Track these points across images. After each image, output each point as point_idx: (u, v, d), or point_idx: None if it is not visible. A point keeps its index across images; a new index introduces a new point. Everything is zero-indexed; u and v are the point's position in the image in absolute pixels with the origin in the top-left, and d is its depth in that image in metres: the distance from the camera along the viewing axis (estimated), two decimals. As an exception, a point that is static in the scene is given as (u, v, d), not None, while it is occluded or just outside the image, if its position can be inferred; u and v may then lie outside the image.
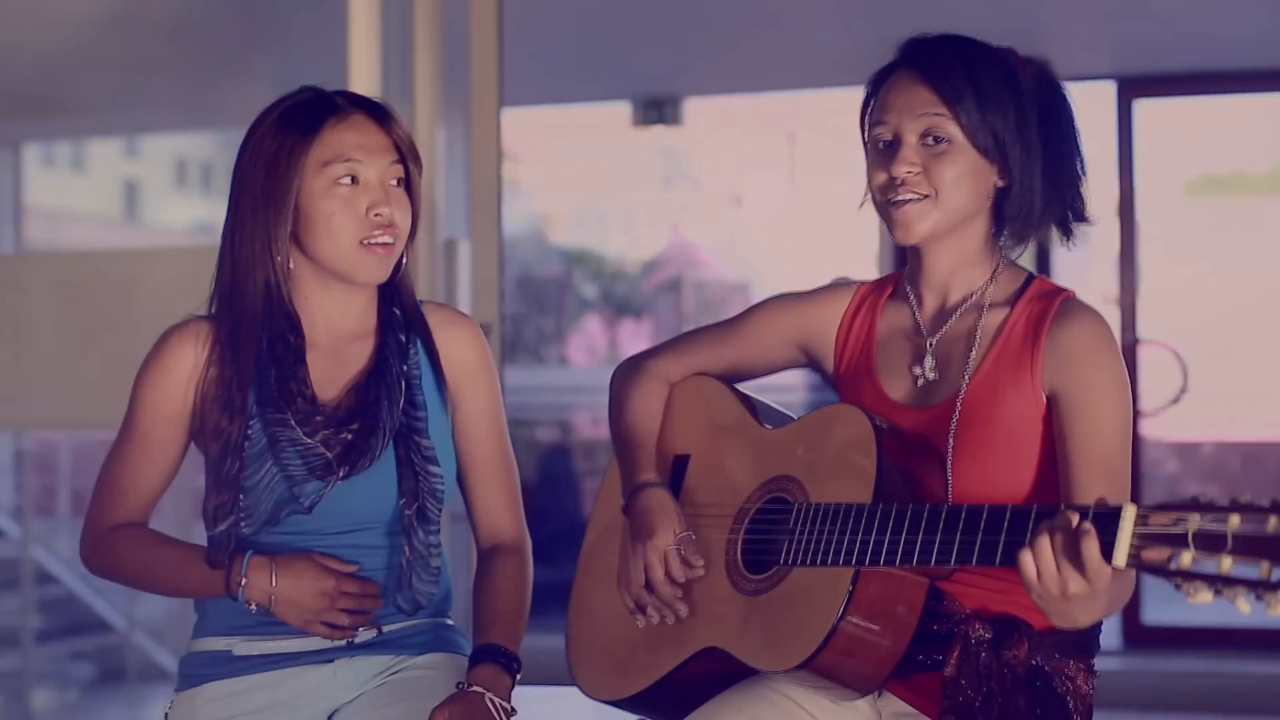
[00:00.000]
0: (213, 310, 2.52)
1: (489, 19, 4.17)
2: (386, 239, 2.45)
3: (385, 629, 2.50)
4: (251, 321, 2.46)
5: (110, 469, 2.53)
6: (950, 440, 2.29)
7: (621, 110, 8.41)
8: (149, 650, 7.93)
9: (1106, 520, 1.90)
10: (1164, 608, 7.21)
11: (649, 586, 2.43)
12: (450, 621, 2.61)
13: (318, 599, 2.42)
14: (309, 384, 2.47)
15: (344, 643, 2.47)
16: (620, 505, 2.55)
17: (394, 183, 2.48)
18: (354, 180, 2.44)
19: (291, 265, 2.48)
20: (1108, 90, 7.56)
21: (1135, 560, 1.87)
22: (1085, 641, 2.31)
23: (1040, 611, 2.23)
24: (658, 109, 8.08)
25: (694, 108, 8.39)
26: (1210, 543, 1.79)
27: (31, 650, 7.63)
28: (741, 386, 2.63)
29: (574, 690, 2.62)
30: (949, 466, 2.28)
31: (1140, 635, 7.14)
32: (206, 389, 2.47)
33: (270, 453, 2.43)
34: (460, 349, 2.58)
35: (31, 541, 7.89)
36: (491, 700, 2.36)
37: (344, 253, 2.45)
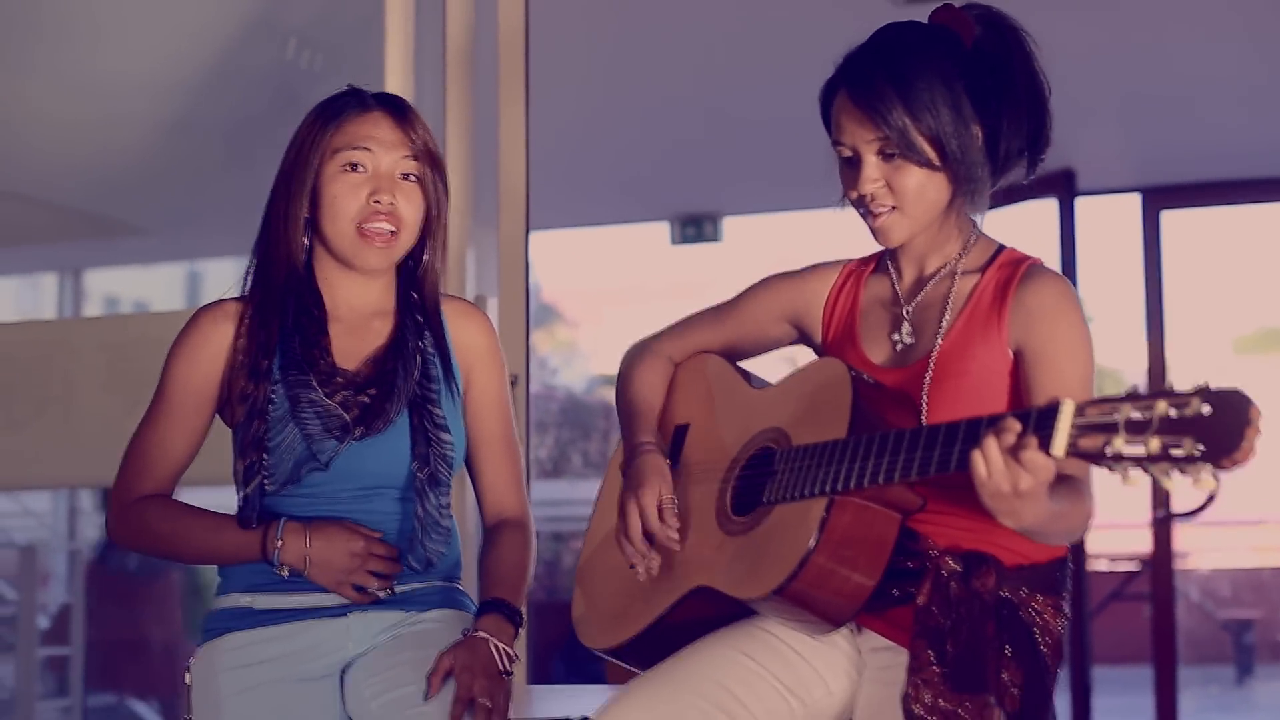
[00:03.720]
0: (245, 290, 2.71)
1: (517, 94, 4.38)
2: (385, 225, 2.62)
3: (398, 588, 2.65)
4: (276, 294, 2.66)
5: (140, 440, 2.70)
6: (924, 394, 2.44)
7: (662, 234, 8.62)
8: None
9: (1048, 415, 2.05)
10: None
11: (630, 535, 2.60)
12: (460, 586, 2.76)
13: (349, 559, 2.58)
14: (330, 351, 2.65)
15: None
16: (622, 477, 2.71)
17: (403, 176, 2.65)
18: (365, 169, 2.63)
19: (314, 246, 2.68)
20: (1134, 203, 7.73)
21: (1074, 449, 2.00)
22: (1052, 580, 2.44)
23: (1009, 549, 2.39)
24: (696, 226, 8.26)
25: (740, 248, 8.49)
26: (1139, 427, 1.94)
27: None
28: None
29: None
30: (923, 419, 2.43)
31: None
32: (235, 359, 2.66)
33: (291, 415, 2.60)
34: (473, 335, 2.77)
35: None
36: (495, 646, 2.50)
37: (345, 237, 2.63)
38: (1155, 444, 1.92)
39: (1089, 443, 1.99)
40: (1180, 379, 1.97)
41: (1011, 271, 2.49)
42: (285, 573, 2.58)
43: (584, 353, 18.96)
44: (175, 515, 2.67)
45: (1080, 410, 2.01)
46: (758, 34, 6.19)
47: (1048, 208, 7.49)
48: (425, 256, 2.73)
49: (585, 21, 6.06)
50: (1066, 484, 2.23)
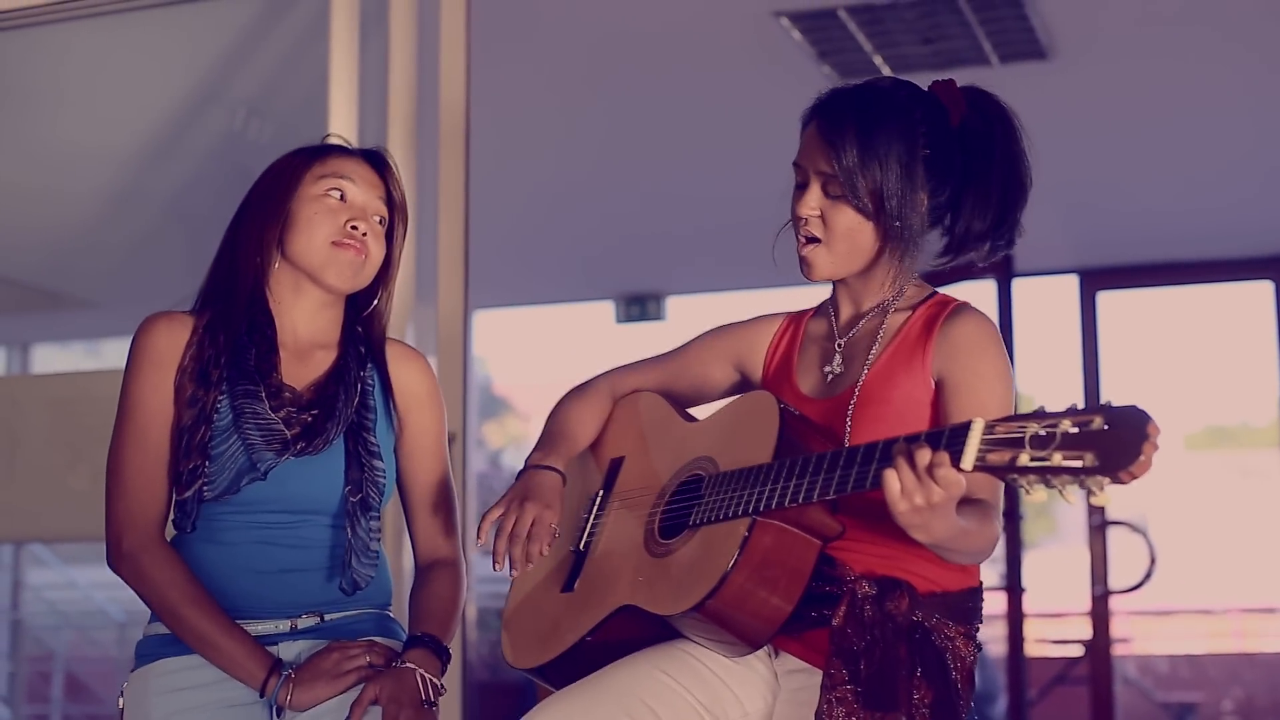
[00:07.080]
0: (197, 305, 2.77)
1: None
2: (358, 246, 2.72)
3: (328, 617, 2.71)
4: (238, 308, 2.72)
5: (128, 464, 2.67)
6: (849, 421, 2.53)
7: (607, 314, 8.73)
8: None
9: (959, 432, 2.14)
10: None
11: (513, 538, 2.62)
12: (390, 614, 2.82)
13: (330, 679, 2.59)
14: (279, 369, 2.72)
15: (288, 627, 2.67)
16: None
17: (376, 219, 2.77)
18: (342, 197, 2.74)
19: (274, 266, 2.74)
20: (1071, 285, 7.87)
21: (982, 463, 2.09)
22: (964, 609, 2.52)
23: (923, 577, 2.47)
24: (640, 305, 8.37)
25: (683, 327, 8.64)
26: (1044, 442, 2.03)
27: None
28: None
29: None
30: (846, 444, 2.51)
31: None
32: (188, 365, 2.69)
33: (235, 426, 2.65)
34: (412, 377, 2.86)
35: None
36: (422, 676, 2.57)
37: (317, 250, 2.71)
38: (1057, 458, 2.01)
39: (996, 457, 2.07)
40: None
41: (940, 309, 2.59)
42: (275, 701, 2.60)
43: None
44: (198, 604, 2.63)
45: (990, 427, 2.10)
46: (702, 117, 6.30)
47: (985, 289, 7.61)
48: (376, 302, 2.83)
49: (529, 102, 6.17)
50: (975, 505, 2.33)
